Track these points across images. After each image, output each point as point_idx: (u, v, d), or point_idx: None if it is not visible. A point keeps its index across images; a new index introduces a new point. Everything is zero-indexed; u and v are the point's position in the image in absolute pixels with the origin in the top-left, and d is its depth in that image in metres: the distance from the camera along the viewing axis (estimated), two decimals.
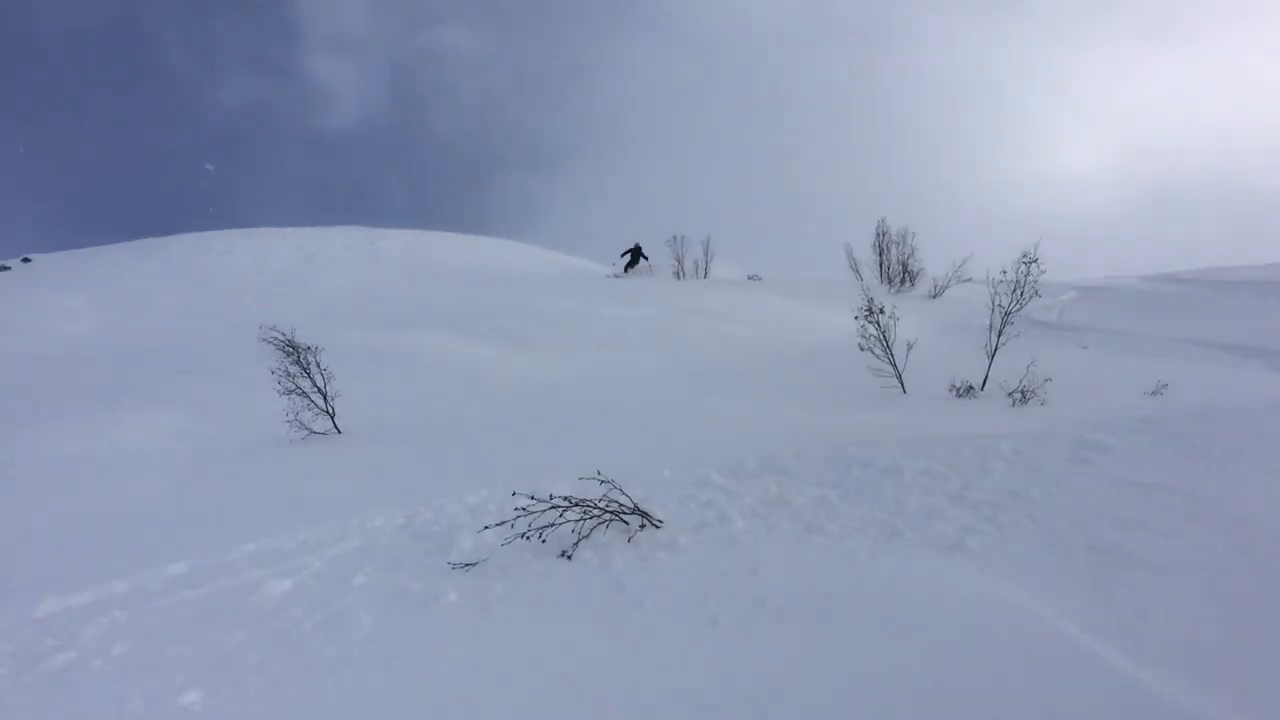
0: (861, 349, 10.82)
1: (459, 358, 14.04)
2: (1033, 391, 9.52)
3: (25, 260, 26.24)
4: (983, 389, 10.34)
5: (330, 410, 10.34)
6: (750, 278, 26.47)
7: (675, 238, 26.72)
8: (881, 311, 10.88)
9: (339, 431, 10.22)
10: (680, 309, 18.51)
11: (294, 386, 10.30)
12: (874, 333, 10.79)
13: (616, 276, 25.78)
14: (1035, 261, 10.31)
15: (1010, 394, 9.59)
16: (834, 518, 5.02)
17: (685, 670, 3.35)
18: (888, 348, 10.79)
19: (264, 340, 13.35)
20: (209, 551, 5.81)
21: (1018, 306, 10.76)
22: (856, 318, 10.98)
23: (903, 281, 24.20)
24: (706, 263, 26.60)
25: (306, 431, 10.08)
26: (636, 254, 27.18)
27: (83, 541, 6.88)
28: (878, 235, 25.24)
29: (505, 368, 13.46)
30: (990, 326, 11.06)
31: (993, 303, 10.87)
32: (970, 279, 22.42)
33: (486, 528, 5.02)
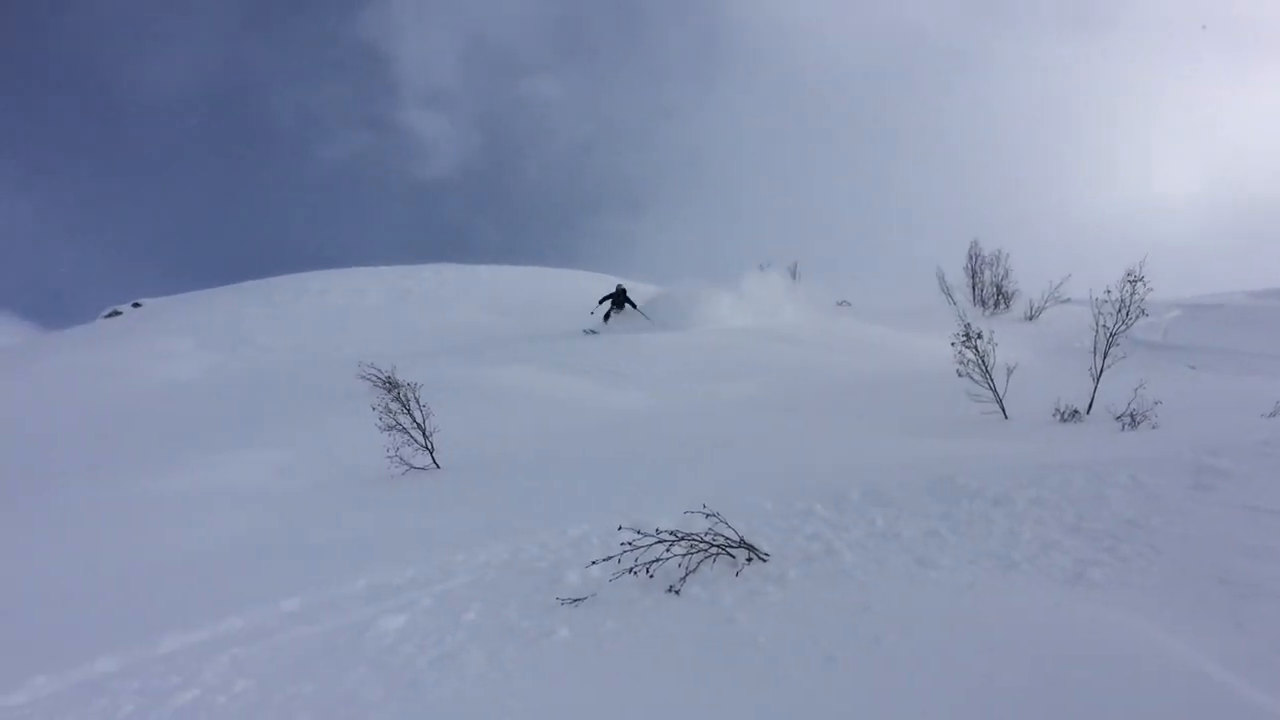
0: (960, 374, 10.62)
1: (552, 391, 14.16)
2: (1143, 415, 9.21)
3: (136, 305, 27.42)
4: (1088, 413, 10.05)
5: (429, 446, 10.51)
6: (839, 303, 26.24)
7: (761, 265, 26.62)
8: (980, 336, 10.67)
9: (438, 466, 10.37)
10: (771, 336, 18.42)
11: (394, 423, 10.49)
12: (972, 357, 10.58)
13: (592, 332, 20.29)
14: (1141, 280, 10.01)
15: (1118, 417, 9.29)
16: (945, 550, 4.91)
17: (807, 710, 3.29)
18: (987, 372, 10.57)
19: (362, 377, 13.69)
20: (320, 587, 5.93)
21: (1123, 327, 10.44)
22: (953, 343, 10.78)
23: (997, 304, 23.71)
24: (795, 288, 26.41)
25: (406, 467, 10.25)
26: (620, 299, 21.37)
27: (196, 578, 7.09)
28: (970, 257, 24.79)
29: (598, 401, 13.53)
30: (1094, 348, 10.75)
31: (1096, 323, 10.57)
32: (1069, 300, 21.84)
33: (594, 563, 5.03)
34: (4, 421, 15.90)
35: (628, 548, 4.96)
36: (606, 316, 21.57)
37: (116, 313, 26.84)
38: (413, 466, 10.30)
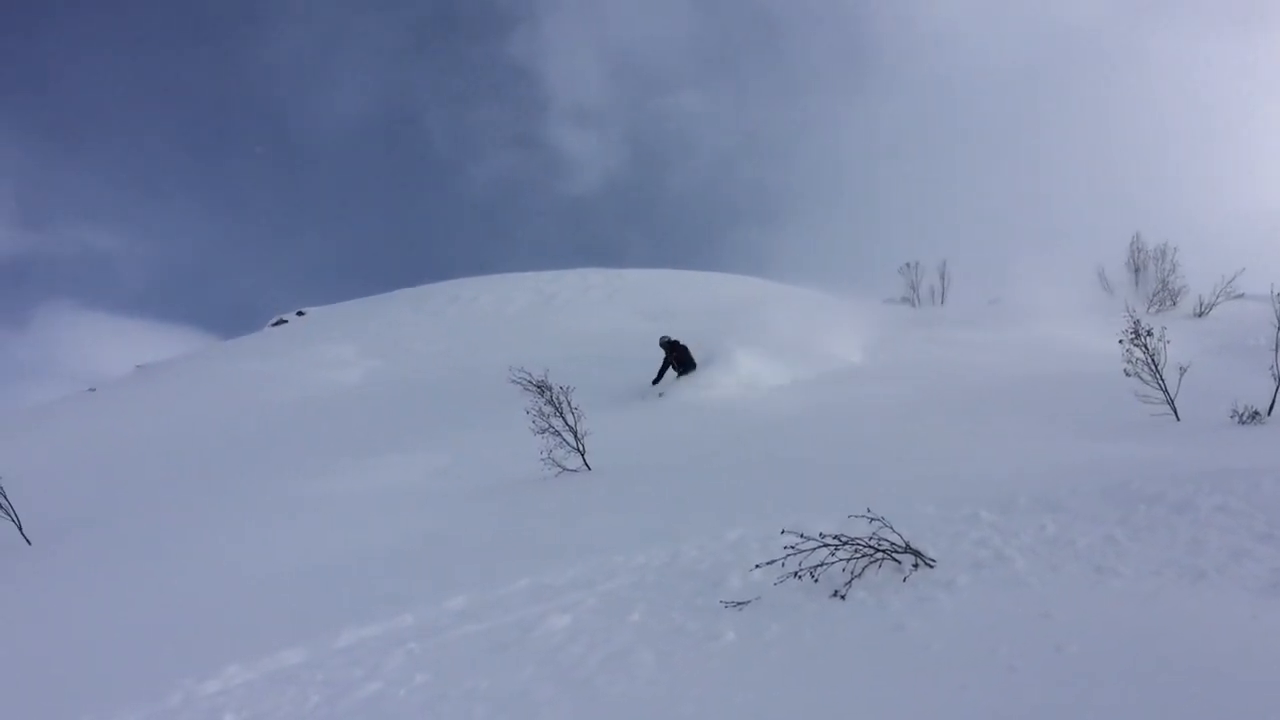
0: (1128, 374, 10.12)
1: (699, 394, 14.19)
2: None
3: (300, 314, 28.84)
4: (1269, 414, 9.44)
5: (581, 448, 10.67)
6: (991, 302, 25.40)
7: (909, 265, 25.99)
8: (1149, 333, 10.15)
9: (589, 469, 10.52)
10: (921, 337, 17.99)
11: (547, 425, 10.70)
12: (1141, 356, 10.07)
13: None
14: None
15: None
16: (1125, 558, 4.70)
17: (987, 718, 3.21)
18: (1157, 372, 10.05)
19: (514, 381, 14.03)
20: (483, 587, 6.10)
21: None
22: (1121, 341, 10.28)
23: (1163, 300, 22.50)
24: (944, 289, 25.71)
25: (560, 469, 10.43)
26: (682, 358, 16.25)
27: (366, 576, 7.40)
28: (1133, 252, 23.59)
29: (748, 404, 13.48)
30: (1275, 345, 10.07)
31: (1278, 319, 9.90)
32: (1243, 295, 20.55)
33: (756, 566, 5.02)
34: (187, 423, 16.98)
35: (790, 552, 4.93)
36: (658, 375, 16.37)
37: (282, 321, 28.32)
38: (565, 469, 10.47)
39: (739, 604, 4.72)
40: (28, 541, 11.21)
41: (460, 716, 3.99)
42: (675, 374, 16.62)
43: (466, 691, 4.26)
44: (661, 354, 16.41)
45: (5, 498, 11.29)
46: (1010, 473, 7.18)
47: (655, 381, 16.36)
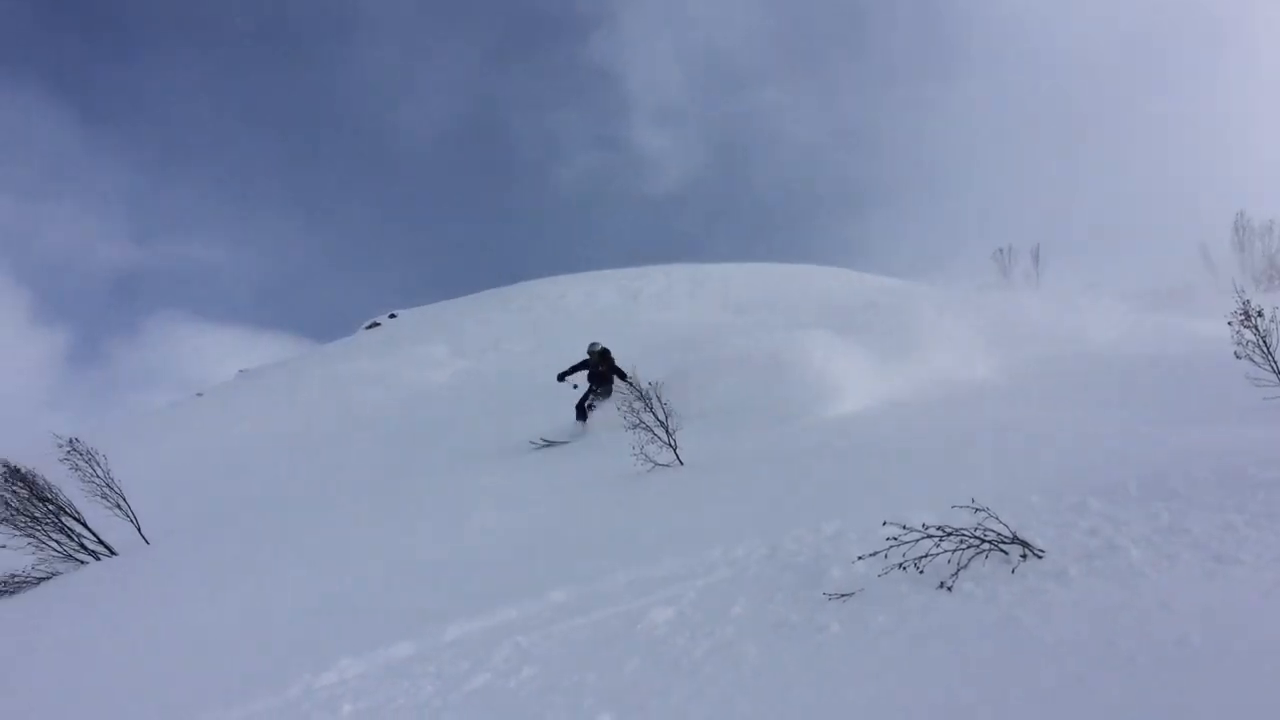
0: (1238, 356, 9.75)
1: (786, 389, 14.07)
2: None
3: (392, 316, 29.54)
4: None
5: (672, 443, 10.71)
6: (1088, 285, 24.73)
7: (1001, 250, 25.45)
8: (1260, 314, 9.76)
9: (681, 463, 10.54)
10: (1015, 321, 17.58)
11: (638, 420, 10.76)
12: (1252, 338, 9.69)
13: (545, 443, 13.69)
14: None
15: None
16: (1245, 546, 4.54)
17: (1112, 714, 3.14)
18: (1269, 354, 9.66)
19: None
20: (584, 581, 6.18)
21: None
22: (1230, 322, 9.91)
23: (1270, 278, 21.66)
24: (1038, 273, 25.10)
25: (651, 464, 10.48)
26: (605, 369, 14.59)
27: (470, 571, 7.56)
28: (1237, 230, 22.75)
29: (835, 396, 13.33)
30: None
31: None
32: None
33: (860, 558, 4.99)
34: (287, 424, 17.52)
35: (893, 543, 4.89)
36: (586, 404, 14.52)
37: (375, 324, 29.04)
38: (657, 464, 10.52)
39: (842, 596, 4.70)
40: (145, 541, 11.71)
41: (570, 707, 4.07)
42: (593, 390, 14.59)
43: (575, 683, 4.33)
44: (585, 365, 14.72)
45: (124, 500, 11.82)
46: (1117, 459, 6.99)
47: (561, 377, 14.78)
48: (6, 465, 11.80)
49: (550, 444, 13.42)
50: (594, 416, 14.33)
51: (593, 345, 14.81)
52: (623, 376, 14.18)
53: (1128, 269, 19.93)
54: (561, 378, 14.68)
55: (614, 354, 14.73)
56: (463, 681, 4.70)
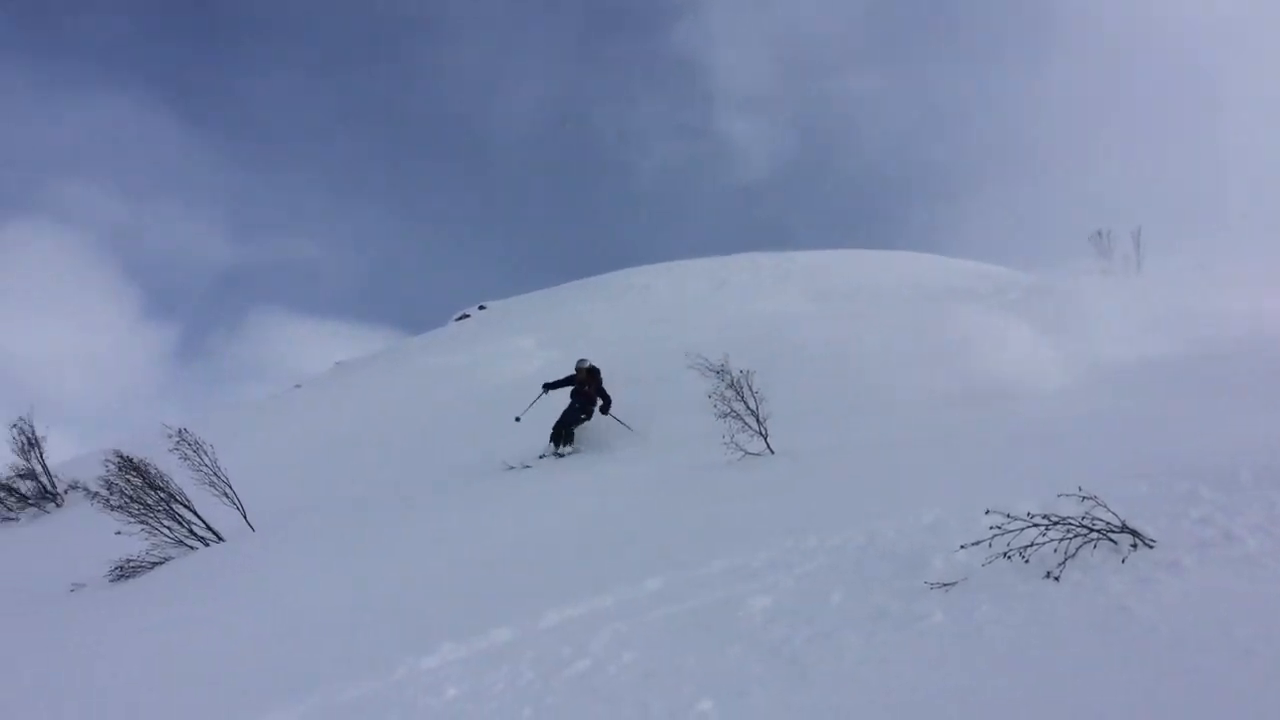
0: None
1: (877, 375, 13.89)
2: None
3: (481, 308, 30.01)
4: None
5: (763, 431, 10.65)
6: (1195, 268, 23.78)
7: (1100, 233, 24.58)
8: None
9: (772, 452, 10.49)
10: (1117, 308, 17.04)
11: (728, 409, 10.73)
12: None
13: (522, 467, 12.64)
14: None
15: None
16: None
17: (1229, 705, 3.04)
18: None
19: (690, 367, 14.11)
20: (678, 568, 6.19)
21: None
22: None
23: None
24: (1139, 257, 24.18)
25: (742, 453, 10.45)
26: (592, 389, 13.57)
27: (564, 558, 7.64)
28: None
29: (928, 383, 13.11)
30: None
31: None
32: None
33: (962, 547, 4.90)
34: (382, 414, 17.91)
35: (996, 532, 4.79)
36: (564, 436, 13.32)
37: (465, 316, 29.52)
38: (748, 452, 10.48)
39: (944, 585, 4.62)
40: (251, 527, 12.10)
41: (671, 693, 4.08)
42: (577, 410, 13.42)
43: (675, 669, 4.35)
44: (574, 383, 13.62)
45: (230, 488, 12.23)
46: (1228, 447, 6.73)
47: (548, 387, 13.85)
48: (121, 455, 12.31)
49: (528, 467, 12.55)
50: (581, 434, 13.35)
51: (581, 361, 13.65)
52: (607, 402, 13.44)
53: (1239, 250, 19.05)
54: (548, 388, 13.78)
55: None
56: (564, 666, 4.76)
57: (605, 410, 13.38)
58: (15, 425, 18.73)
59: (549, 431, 13.39)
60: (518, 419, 13.77)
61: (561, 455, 12.91)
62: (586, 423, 13.56)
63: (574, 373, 13.44)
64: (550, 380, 13.69)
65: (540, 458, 12.75)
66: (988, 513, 4.91)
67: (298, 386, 26.95)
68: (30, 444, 18.60)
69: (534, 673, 4.79)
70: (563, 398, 13.74)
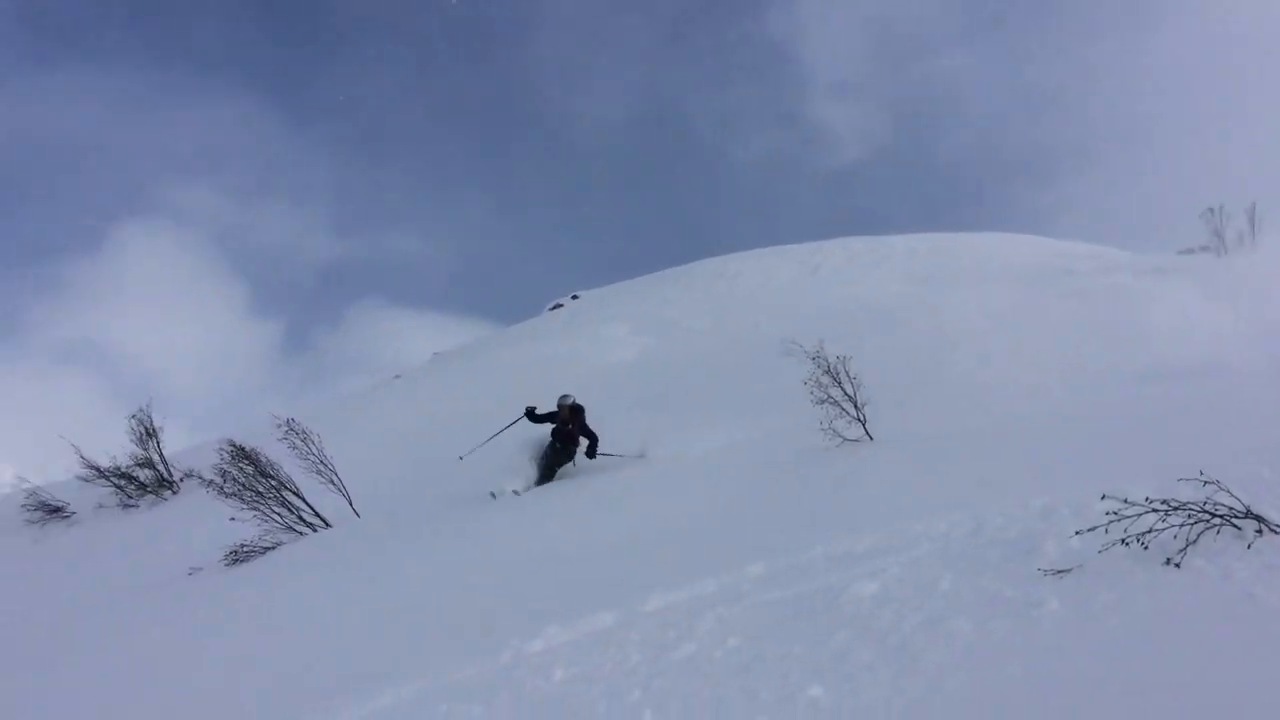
0: None
1: (984, 365, 13.61)
2: None
3: (574, 297, 30.26)
4: None
5: (861, 417, 10.53)
6: None
7: (1212, 210, 23.52)
8: None
9: (870, 438, 10.36)
10: (1230, 288, 16.37)
11: (826, 396, 10.63)
12: None
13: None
14: None
15: None
16: None
17: None
18: None
19: (787, 354, 14.01)
20: (780, 554, 6.16)
21: None
22: None
23: None
24: (1254, 234, 23.08)
25: (840, 439, 10.35)
26: (575, 428, 12.37)
27: (667, 544, 7.68)
28: None
29: (1032, 367, 12.78)
30: None
31: None
32: None
33: (1077, 533, 4.77)
34: (477, 403, 18.19)
35: (1113, 518, 4.64)
36: (544, 474, 12.37)
37: (559, 305, 29.81)
38: (845, 439, 10.38)
39: (1059, 572, 4.50)
40: (356, 514, 12.45)
41: (779, 678, 4.07)
42: (555, 448, 12.44)
43: (781, 654, 4.33)
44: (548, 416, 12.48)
45: (336, 475, 12.60)
46: None
47: (532, 416, 12.58)
48: (233, 445, 12.79)
49: (518, 493, 11.76)
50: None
51: (564, 398, 12.44)
52: (593, 443, 12.25)
53: None
54: (531, 417, 12.63)
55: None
56: (670, 650, 4.78)
57: (591, 453, 12.25)
58: (134, 416, 19.60)
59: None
60: (461, 458, 13.02)
61: (518, 493, 11.78)
62: (569, 465, 12.60)
63: (556, 409, 12.40)
64: (535, 409, 12.58)
65: (492, 495, 11.65)
66: (1103, 498, 4.76)
67: (397, 377, 27.56)
68: (148, 434, 19.46)
69: (641, 655, 4.83)
70: (526, 430, 13.03)
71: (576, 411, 12.30)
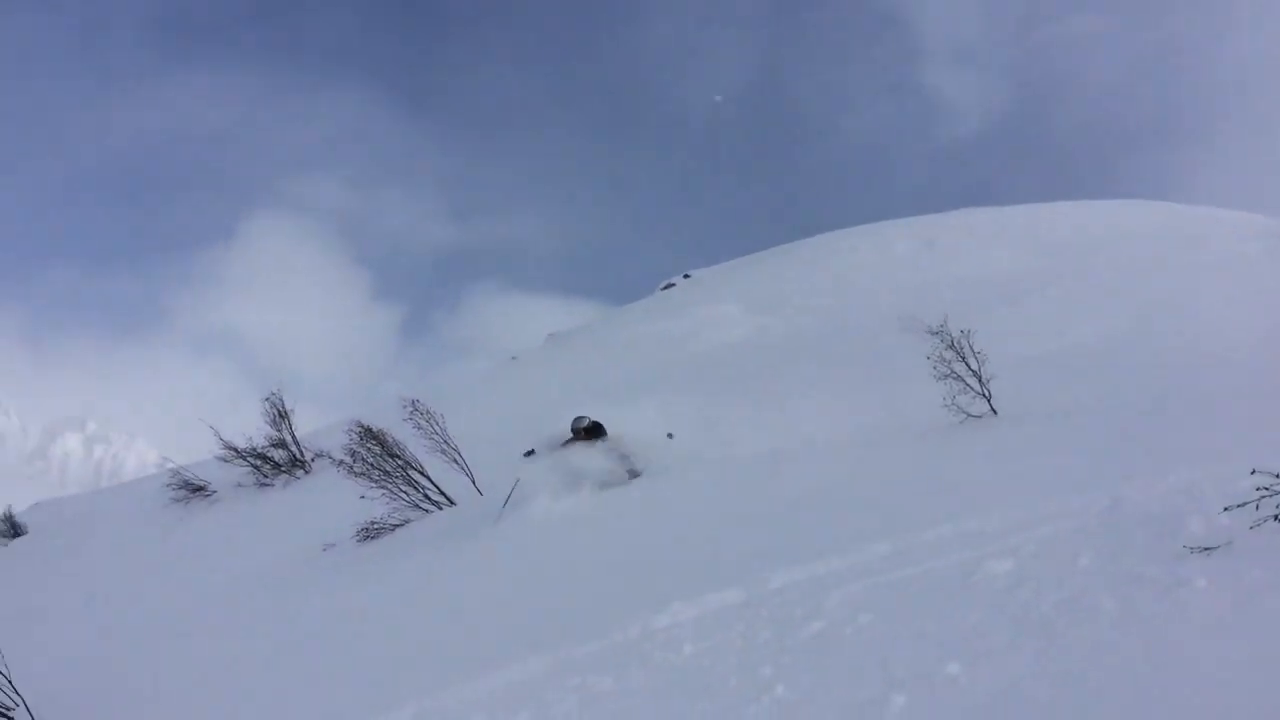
0: None
1: (1111, 339, 13.13)
2: None
3: (686, 276, 30.26)
4: None
5: (986, 393, 10.29)
6: None
7: None
8: None
9: (995, 414, 10.13)
10: None
11: (949, 371, 10.42)
12: None
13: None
14: None
15: None
16: None
17: None
18: None
19: (906, 330, 13.75)
20: (906, 532, 6.08)
21: None
22: None
23: None
24: None
25: (964, 415, 10.14)
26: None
27: (789, 522, 7.67)
28: None
29: (1150, 342, 12.27)
30: None
31: None
32: None
33: (1225, 509, 4.58)
34: (592, 381, 18.40)
35: (1264, 494, 4.45)
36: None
37: (671, 285, 29.84)
38: (970, 415, 10.16)
39: (1206, 549, 4.34)
40: (479, 492, 12.74)
41: (913, 655, 4.04)
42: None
43: (915, 632, 4.29)
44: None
45: (459, 455, 12.93)
46: None
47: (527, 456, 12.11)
48: (362, 425, 13.23)
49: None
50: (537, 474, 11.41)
51: (578, 420, 11.87)
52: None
53: None
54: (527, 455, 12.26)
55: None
56: (799, 627, 4.79)
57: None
58: (268, 399, 20.43)
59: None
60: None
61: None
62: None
63: (571, 433, 11.82)
64: (533, 451, 12.20)
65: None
66: (1253, 472, 4.57)
67: (514, 359, 28.04)
68: (281, 416, 20.26)
69: (770, 632, 4.85)
70: None
71: (593, 431, 11.75)
